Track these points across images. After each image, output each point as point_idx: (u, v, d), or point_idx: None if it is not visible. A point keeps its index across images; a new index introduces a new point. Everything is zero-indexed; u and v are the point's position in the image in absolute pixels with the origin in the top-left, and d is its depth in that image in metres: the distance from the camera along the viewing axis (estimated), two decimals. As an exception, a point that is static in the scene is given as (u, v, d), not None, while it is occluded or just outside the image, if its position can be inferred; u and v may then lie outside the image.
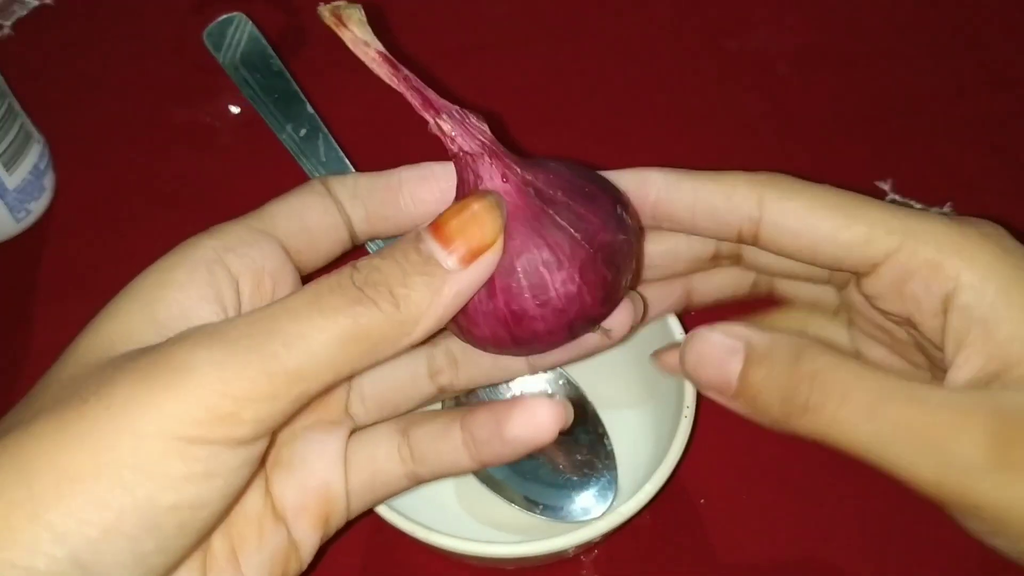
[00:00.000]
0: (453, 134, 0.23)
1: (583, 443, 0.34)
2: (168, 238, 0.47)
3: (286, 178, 0.48)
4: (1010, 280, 0.23)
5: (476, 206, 0.22)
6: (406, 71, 0.23)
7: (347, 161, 0.35)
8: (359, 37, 0.22)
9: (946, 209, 0.44)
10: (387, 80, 0.23)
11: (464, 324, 0.24)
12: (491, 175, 0.23)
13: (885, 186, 0.45)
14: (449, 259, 0.22)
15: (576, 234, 0.23)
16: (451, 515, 0.34)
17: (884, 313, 0.26)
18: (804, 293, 0.31)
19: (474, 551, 0.28)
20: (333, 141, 0.35)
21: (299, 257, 0.26)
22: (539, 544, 0.28)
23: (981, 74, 0.50)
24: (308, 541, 0.25)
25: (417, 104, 0.23)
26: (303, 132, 0.34)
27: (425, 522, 0.29)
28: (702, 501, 0.35)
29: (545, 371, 0.30)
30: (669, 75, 0.51)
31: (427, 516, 0.29)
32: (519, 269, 0.23)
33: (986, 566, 0.34)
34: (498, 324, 0.23)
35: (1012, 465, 0.21)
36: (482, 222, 0.22)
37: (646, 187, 0.27)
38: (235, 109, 0.49)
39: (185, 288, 0.23)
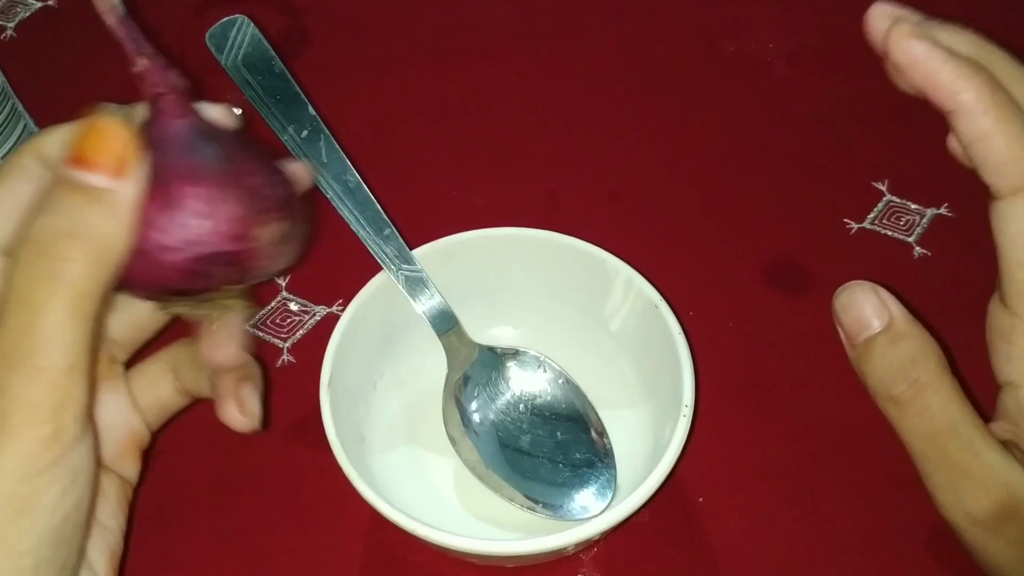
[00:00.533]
0: (145, 71, 0.26)
1: (582, 442, 0.34)
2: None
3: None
4: None
5: (97, 122, 0.23)
6: (133, 26, 0.25)
7: (348, 162, 0.35)
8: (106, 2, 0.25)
9: (943, 210, 0.44)
10: (112, 27, 0.25)
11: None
12: (168, 111, 0.25)
13: (882, 186, 0.45)
14: (102, 178, 0.23)
15: (226, 167, 0.25)
16: (452, 514, 0.34)
17: None
18: None
19: (475, 548, 0.29)
20: (335, 142, 0.35)
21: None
22: (539, 541, 0.28)
23: (977, 75, 0.50)
24: (134, 470, 0.30)
25: (126, 43, 0.25)
26: (305, 133, 0.34)
27: (426, 520, 0.29)
28: (700, 500, 0.36)
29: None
30: (668, 76, 0.51)
31: (428, 515, 0.29)
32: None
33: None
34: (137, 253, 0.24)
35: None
36: (110, 132, 0.23)
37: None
38: (236, 111, 0.50)
39: None
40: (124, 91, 0.55)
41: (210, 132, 0.26)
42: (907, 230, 0.44)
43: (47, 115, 0.47)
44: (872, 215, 0.44)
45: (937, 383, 0.27)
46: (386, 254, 0.34)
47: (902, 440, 0.27)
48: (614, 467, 0.34)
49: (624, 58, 0.52)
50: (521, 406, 0.35)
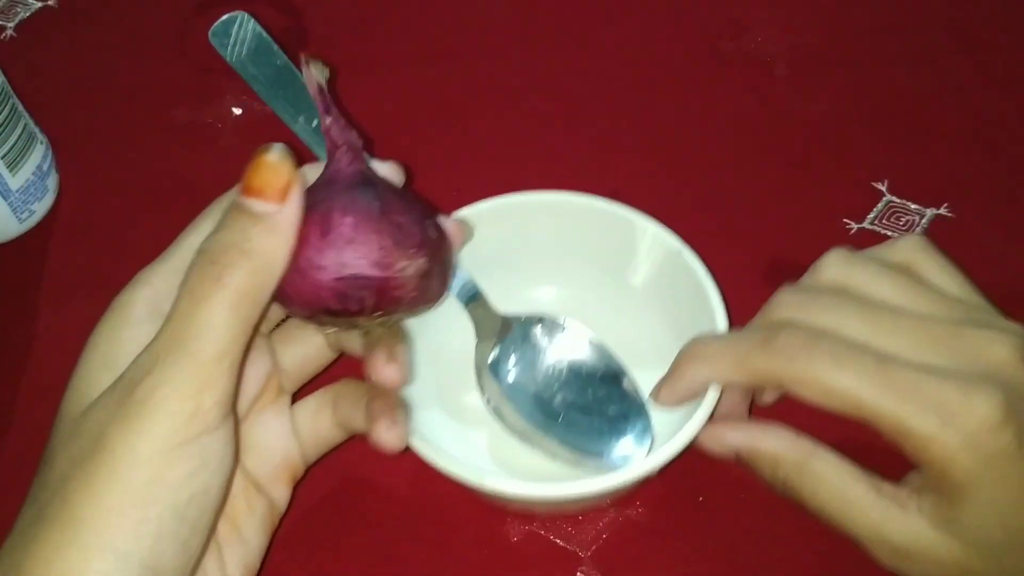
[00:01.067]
0: (329, 127, 0.30)
1: (615, 397, 0.35)
2: (169, 238, 0.48)
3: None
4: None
5: (263, 157, 0.27)
6: (329, 97, 0.30)
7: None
8: (312, 74, 0.30)
9: (942, 210, 0.44)
10: (312, 93, 0.30)
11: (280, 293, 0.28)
12: (342, 159, 0.30)
13: (881, 187, 0.45)
14: (265, 204, 0.27)
15: (381, 205, 0.28)
16: (494, 472, 0.34)
17: None
18: None
19: (524, 493, 0.30)
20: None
21: None
22: (589, 483, 0.30)
23: (977, 75, 0.50)
24: (283, 496, 0.33)
25: (319, 105, 0.30)
26: (315, 123, 0.35)
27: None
28: (701, 499, 0.36)
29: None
30: (667, 77, 0.51)
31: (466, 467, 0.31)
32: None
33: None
34: (295, 274, 0.28)
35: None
36: (275, 166, 0.27)
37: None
38: (237, 110, 0.50)
39: (131, 343, 0.28)
40: (126, 92, 0.55)
41: (373, 180, 0.30)
42: (907, 230, 0.44)
43: (47, 115, 0.47)
44: (872, 215, 0.44)
45: (797, 480, 0.31)
46: None
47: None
48: (649, 417, 0.35)
49: (624, 58, 0.52)
50: (551, 369, 0.36)
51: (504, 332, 0.36)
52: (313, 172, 0.31)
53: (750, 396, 0.35)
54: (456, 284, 0.35)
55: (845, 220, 0.44)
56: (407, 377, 0.30)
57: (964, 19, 0.53)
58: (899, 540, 0.29)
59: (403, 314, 0.30)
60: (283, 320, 0.33)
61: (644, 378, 0.35)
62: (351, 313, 0.29)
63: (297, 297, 0.28)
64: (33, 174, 0.44)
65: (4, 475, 0.37)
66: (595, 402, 0.36)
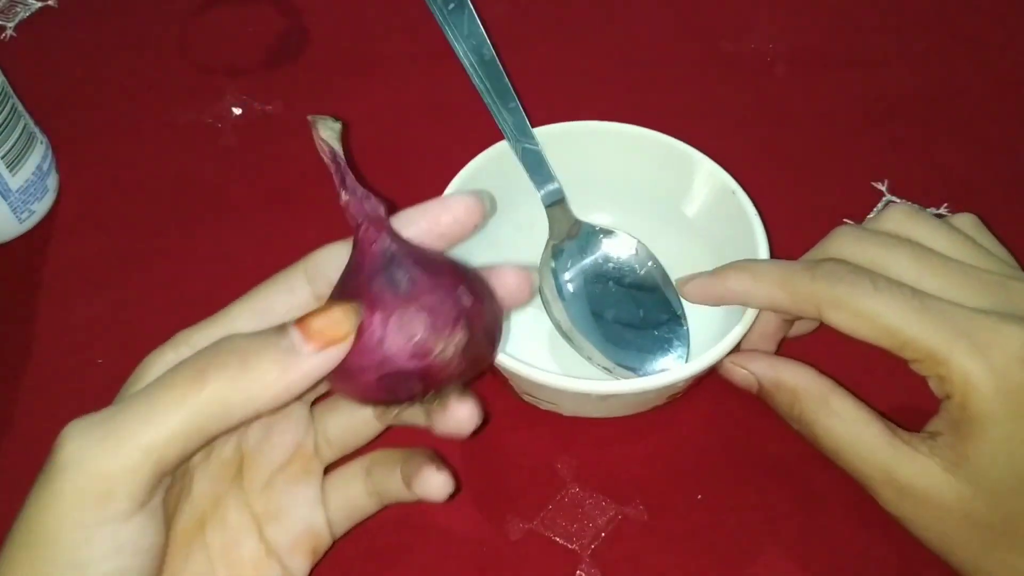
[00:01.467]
0: (347, 203, 0.29)
1: (663, 320, 0.38)
2: (170, 238, 0.48)
3: (287, 179, 0.48)
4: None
5: (335, 307, 0.26)
6: (344, 162, 0.29)
7: (486, 37, 0.38)
8: (323, 137, 0.29)
9: (942, 210, 0.44)
10: (326, 162, 0.29)
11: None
12: (367, 238, 0.28)
13: (882, 187, 0.45)
14: (299, 337, 0.25)
15: (402, 290, 0.28)
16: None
17: None
18: None
19: (591, 389, 0.32)
20: (476, 16, 0.37)
21: None
22: (651, 379, 0.33)
23: (978, 75, 0.50)
24: (301, 568, 0.31)
25: (336, 178, 0.29)
26: (451, 6, 0.37)
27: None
28: (699, 497, 0.36)
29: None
30: (666, 77, 0.51)
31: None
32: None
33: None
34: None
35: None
36: (337, 320, 0.26)
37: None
38: (237, 110, 0.50)
39: None
40: (126, 92, 0.55)
41: (397, 257, 0.28)
42: (907, 230, 0.44)
43: (47, 115, 0.47)
44: (872, 215, 0.44)
45: (813, 414, 0.32)
46: (509, 125, 0.38)
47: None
48: (688, 343, 0.37)
49: (624, 58, 0.52)
50: (608, 279, 0.39)
51: (574, 234, 0.39)
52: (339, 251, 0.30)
53: (781, 334, 0.36)
54: (543, 189, 0.38)
55: (845, 220, 0.44)
56: (477, 414, 0.29)
57: (964, 19, 0.53)
58: (906, 479, 0.30)
59: (457, 385, 0.29)
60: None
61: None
62: (403, 401, 0.28)
63: (351, 395, 0.28)
64: (33, 174, 0.44)
65: (4, 475, 0.37)
66: (642, 322, 0.38)
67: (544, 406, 0.36)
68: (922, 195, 0.45)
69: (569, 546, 0.35)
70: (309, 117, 0.29)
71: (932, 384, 0.30)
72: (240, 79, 0.51)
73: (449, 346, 0.28)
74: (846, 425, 0.31)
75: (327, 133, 0.29)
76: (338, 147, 0.29)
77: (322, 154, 0.29)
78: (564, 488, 0.36)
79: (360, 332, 0.27)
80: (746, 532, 0.35)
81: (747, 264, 0.33)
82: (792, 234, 0.43)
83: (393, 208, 0.30)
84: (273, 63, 0.52)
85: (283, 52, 0.53)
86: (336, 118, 0.29)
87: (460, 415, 0.29)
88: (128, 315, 0.42)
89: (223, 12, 0.55)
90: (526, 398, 0.36)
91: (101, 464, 0.24)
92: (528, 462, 0.37)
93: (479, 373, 0.29)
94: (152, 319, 0.41)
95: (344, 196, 0.29)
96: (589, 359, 0.37)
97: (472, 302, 0.29)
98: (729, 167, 0.39)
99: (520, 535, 0.35)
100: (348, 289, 0.28)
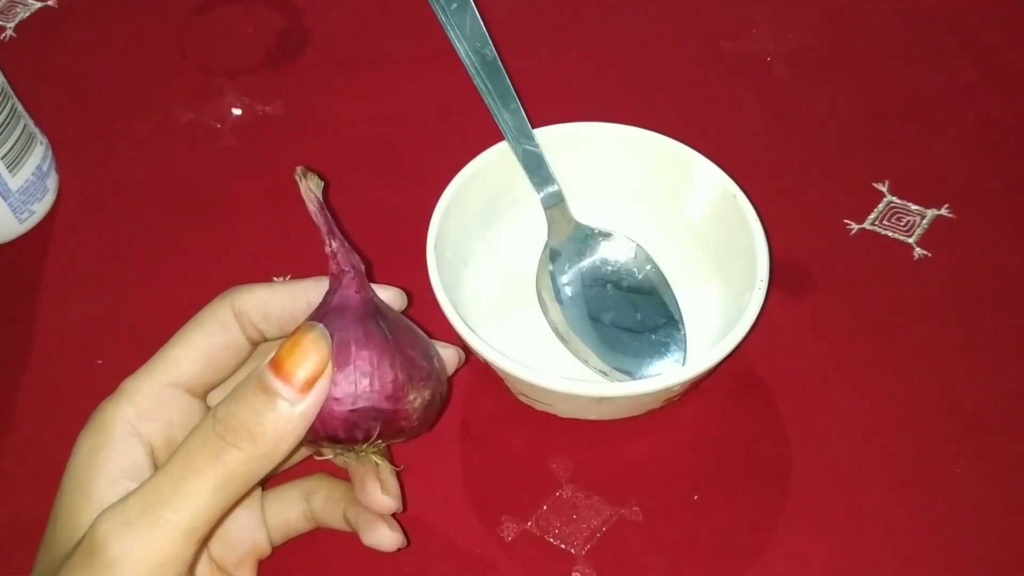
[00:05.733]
0: (334, 253, 0.30)
1: (660, 325, 0.38)
2: (170, 239, 0.48)
3: (287, 179, 0.48)
4: None
5: (304, 340, 0.27)
6: (329, 216, 0.30)
7: (488, 37, 0.38)
8: (310, 192, 0.30)
9: (943, 211, 0.44)
10: (313, 216, 0.30)
11: None
12: (348, 285, 0.30)
13: (882, 187, 0.45)
14: (289, 392, 0.26)
15: (389, 338, 0.29)
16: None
17: None
18: None
19: (585, 391, 0.32)
20: (479, 17, 0.38)
21: (207, 381, 0.31)
22: (646, 383, 0.32)
23: (978, 75, 0.50)
24: None
25: (323, 231, 0.30)
26: (454, 6, 0.37)
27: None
28: (695, 497, 0.36)
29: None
30: (667, 77, 0.51)
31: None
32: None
33: (983, 564, 0.34)
34: None
35: None
36: (311, 354, 0.26)
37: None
38: (237, 110, 0.50)
39: (108, 467, 0.28)
40: (126, 92, 0.55)
41: (381, 308, 0.30)
42: (908, 231, 0.43)
43: (47, 115, 0.47)
44: (872, 216, 0.44)
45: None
46: (509, 126, 0.38)
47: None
48: (685, 347, 0.38)
49: (624, 58, 0.52)
50: (608, 285, 0.39)
51: (574, 237, 0.39)
52: (315, 287, 0.32)
53: None
54: (543, 190, 0.38)
55: (846, 221, 0.44)
56: (399, 505, 0.32)
57: (965, 19, 0.53)
58: None
59: (398, 441, 0.31)
60: None
61: (683, 297, 0.39)
62: (354, 442, 0.29)
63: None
64: (33, 174, 0.44)
65: (4, 475, 0.37)
66: (639, 325, 0.38)
67: (539, 407, 0.36)
68: (922, 195, 0.45)
69: (564, 547, 0.35)
70: (297, 170, 0.30)
71: None
72: (240, 79, 0.51)
73: (419, 398, 0.30)
74: None
75: (313, 185, 0.30)
76: (321, 198, 0.30)
77: (308, 204, 0.30)
78: (559, 489, 0.36)
79: (344, 362, 0.28)
80: (741, 533, 0.35)
81: None
82: (792, 234, 0.43)
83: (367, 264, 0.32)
84: (273, 63, 0.52)
85: (283, 52, 0.53)
86: (321, 176, 0.30)
87: (385, 504, 0.31)
88: (128, 315, 0.42)
89: (223, 12, 0.55)
90: (521, 399, 0.36)
91: (150, 556, 0.25)
92: (523, 463, 0.37)
93: (413, 437, 0.31)
94: (152, 319, 0.41)
95: (334, 245, 0.30)
96: (585, 362, 0.37)
97: (440, 366, 0.31)
98: (729, 167, 0.39)
99: (515, 536, 0.35)
100: (332, 330, 0.28)
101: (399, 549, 0.32)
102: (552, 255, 0.39)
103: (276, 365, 0.26)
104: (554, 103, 0.50)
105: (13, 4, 0.55)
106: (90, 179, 0.47)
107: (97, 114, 0.50)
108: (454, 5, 0.37)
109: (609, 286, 0.39)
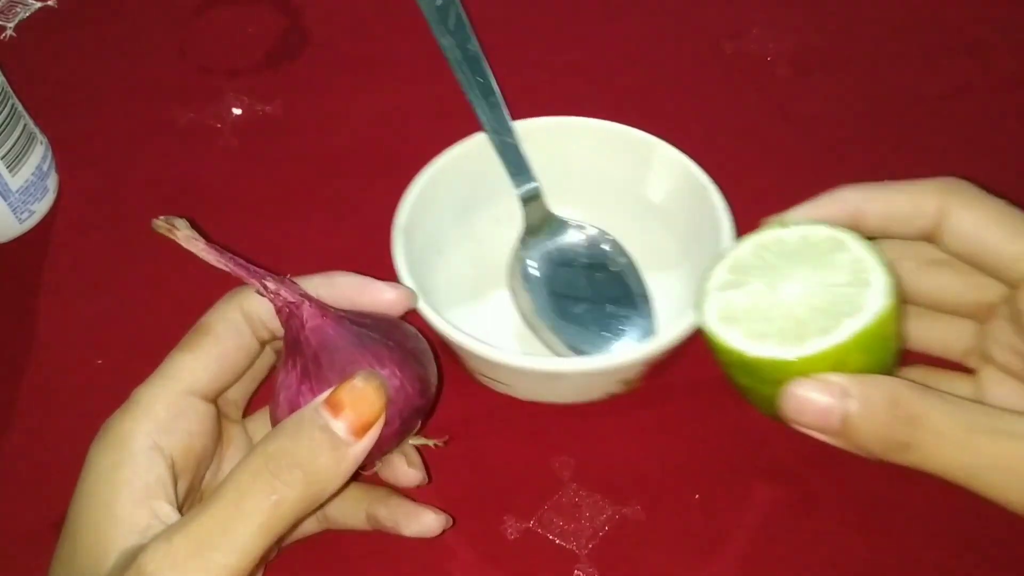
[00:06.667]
0: (278, 291, 0.29)
1: (630, 315, 0.38)
2: (170, 239, 0.48)
3: (287, 179, 0.48)
4: None
5: (368, 388, 0.27)
6: (229, 254, 0.28)
7: (472, 33, 0.39)
8: (189, 236, 0.28)
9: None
10: (215, 263, 0.28)
11: None
12: (312, 315, 0.29)
13: (882, 187, 0.45)
14: (345, 433, 0.26)
15: (389, 343, 0.29)
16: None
17: None
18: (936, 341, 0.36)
19: (543, 367, 0.33)
20: (464, 15, 0.39)
21: (221, 387, 0.31)
22: (604, 359, 0.33)
23: (979, 75, 0.50)
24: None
25: (243, 275, 0.28)
26: (440, 2, 0.39)
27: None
28: (697, 496, 0.36)
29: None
30: (668, 77, 0.51)
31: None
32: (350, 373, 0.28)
33: (985, 563, 0.34)
34: None
35: None
36: (368, 398, 0.27)
37: (844, 202, 0.32)
38: (237, 110, 0.50)
39: (132, 485, 0.27)
40: (126, 92, 0.55)
41: (351, 319, 0.30)
42: (907, 230, 0.43)
43: (47, 115, 0.47)
44: (872, 215, 0.44)
45: (928, 402, 0.27)
46: (488, 119, 0.39)
47: (950, 479, 0.27)
48: (655, 331, 0.38)
49: (624, 58, 0.52)
50: (579, 274, 0.40)
51: (547, 228, 0.40)
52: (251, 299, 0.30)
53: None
54: (519, 182, 0.39)
55: (845, 220, 0.44)
56: (425, 476, 0.33)
57: (964, 19, 0.53)
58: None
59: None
60: None
61: (651, 280, 0.40)
62: (399, 444, 0.30)
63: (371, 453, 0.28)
64: (33, 174, 0.44)
65: (4, 475, 0.37)
66: (608, 314, 0.38)
67: (499, 388, 0.36)
68: (922, 195, 0.45)
69: (566, 545, 0.35)
70: (156, 223, 0.28)
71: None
72: (240, 79, 0.51)
73: (433, 377, 0.31)
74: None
75: (187, 233, 0.28)
76: (205, 242, 0.28)
77: (205, 255, 0.28)
78: (561, 487, 0.36)
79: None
80: (744, 532, 0.35)
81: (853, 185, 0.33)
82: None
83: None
84: (273, 63, 0.52)
85: (283, 52, 0.53)
86: (179, 216, 0.28)
87: (413, 477, 0.32)
88: (128, 315, 0.42)
89: (223, 12, 0.55)
90: (481, 379, 0.36)
91: None
92: (525, 461, 0.37)
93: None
94: (152, 319, 0.41)
95: (269, 285, 0.29)
96: (554, 349, 0.38)
97: (418, 334, 0.32)
98: (729, 167, 0.39)
99: (517, 534, 0.35)
100: (339, 366, 0.28)
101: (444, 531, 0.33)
102: (525, 245, 0.40)
103: (335, 406, 0.26)
104: (554, 103, 0.50)
105: (13, 4, 0.55)
106: (90, 179, 0.47)
107: (97, 114, 0.50)
108: (439, 1, 0.39)
109: (580, 275, 0.40)
